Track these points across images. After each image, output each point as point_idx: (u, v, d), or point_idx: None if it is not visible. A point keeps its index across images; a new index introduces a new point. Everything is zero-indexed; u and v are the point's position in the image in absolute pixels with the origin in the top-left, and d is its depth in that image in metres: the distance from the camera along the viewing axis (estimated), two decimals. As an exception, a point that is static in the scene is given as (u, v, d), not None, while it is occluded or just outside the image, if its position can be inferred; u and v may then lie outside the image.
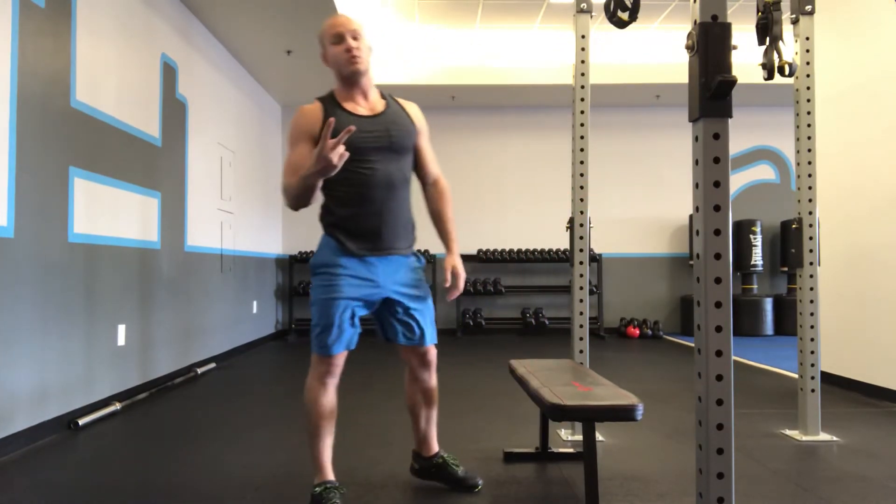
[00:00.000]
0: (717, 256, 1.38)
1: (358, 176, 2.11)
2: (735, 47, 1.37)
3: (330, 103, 2.18)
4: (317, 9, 5.05)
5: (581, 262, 3.05)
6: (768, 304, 7.67)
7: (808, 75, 3.01)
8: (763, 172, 8.26)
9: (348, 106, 2.19)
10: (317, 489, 2.11)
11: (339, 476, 2.49)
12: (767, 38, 2.04)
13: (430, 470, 2.38)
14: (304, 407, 2.15)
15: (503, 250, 7.92)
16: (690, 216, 7.93)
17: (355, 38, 2.18)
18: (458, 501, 2.25)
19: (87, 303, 3.49)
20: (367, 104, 2.23)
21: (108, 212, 3.75)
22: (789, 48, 2.61)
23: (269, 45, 5.88)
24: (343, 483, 2.42)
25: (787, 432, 3.15)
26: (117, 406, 3.63)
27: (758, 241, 7.77)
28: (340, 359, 2.13)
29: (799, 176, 3.06)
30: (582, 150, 3.05)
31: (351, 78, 2.18)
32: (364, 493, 2.33)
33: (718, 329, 1.38)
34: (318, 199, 2.18)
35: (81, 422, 3.29)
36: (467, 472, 2.38)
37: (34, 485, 2.49)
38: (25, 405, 2.99)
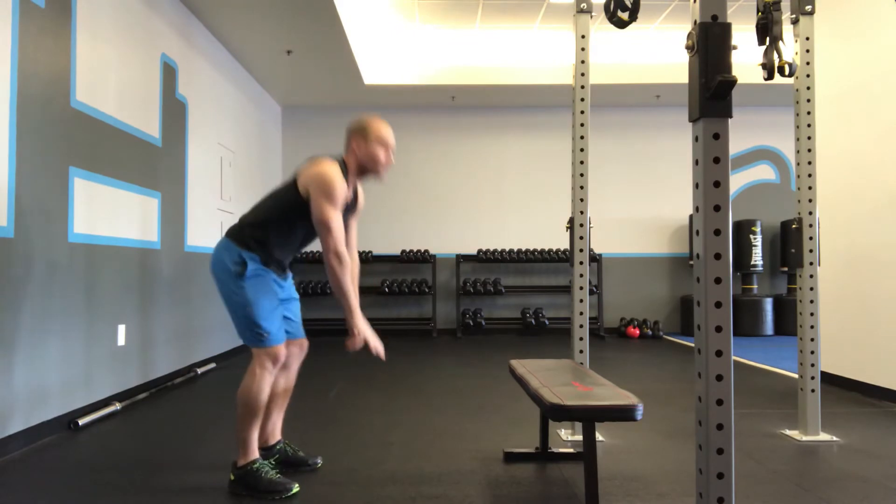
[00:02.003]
0: (717, 256, 1.38)
1: (308, 237, 2.49)
2: (735, 47, 1.37)
3: (344, 176, 2.40)
4: (317, 9, 5.05)
5: (581, 262, 3.05)
6: (768, 304, 7.67)
7: (808, 75, 3.01)
8: (763, 172, 8.27)
9: (349, 181, 2.46)
10: (253, 465, 2.32)
11: (339, 476, 2.49)
12: (767, 38, 2.04)
13: (275, 455, 2.55)
14: (249, 396, 2.34)
15: (503, 250, 7.92)
16: (690, 216, 7.93)
17: (390, 157, 2.49)
18: (458, 501, 2.25)
19: (87, 303, 3.49)
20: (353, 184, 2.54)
21: (108, 212, 3.75)
22: (789, 48, 2.61)
23: (269, 45, 5.88)
24: (344, 483, 2.42)
25: (787, 432, 3.15)
26: (117, 406, 3.63)
27: (758, 241, 7.77)
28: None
29: (799, 176, 3.06)
30: (582, 150, 3.05)
31: (368, 175, 2.50)
32: (364, 493, 2.33)
33: (718, 329, 1.38)
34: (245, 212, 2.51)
35: (81, 422, 3.29)
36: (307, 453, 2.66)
37: (34, 485, 2.49)
38: (25, 405, 2.99)
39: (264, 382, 2.35)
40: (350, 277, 2.31)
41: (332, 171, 2.30)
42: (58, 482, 2.52)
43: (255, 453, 2.36)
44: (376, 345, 2.32)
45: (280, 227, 2.39)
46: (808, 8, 3.01)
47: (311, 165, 2.36)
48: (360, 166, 2.45)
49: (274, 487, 2.28)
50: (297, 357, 2.61)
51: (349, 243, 2.54)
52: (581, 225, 3.04)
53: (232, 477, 2.35)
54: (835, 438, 3.05)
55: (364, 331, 2.30)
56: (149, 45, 4.33)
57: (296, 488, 2.30)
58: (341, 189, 2.30)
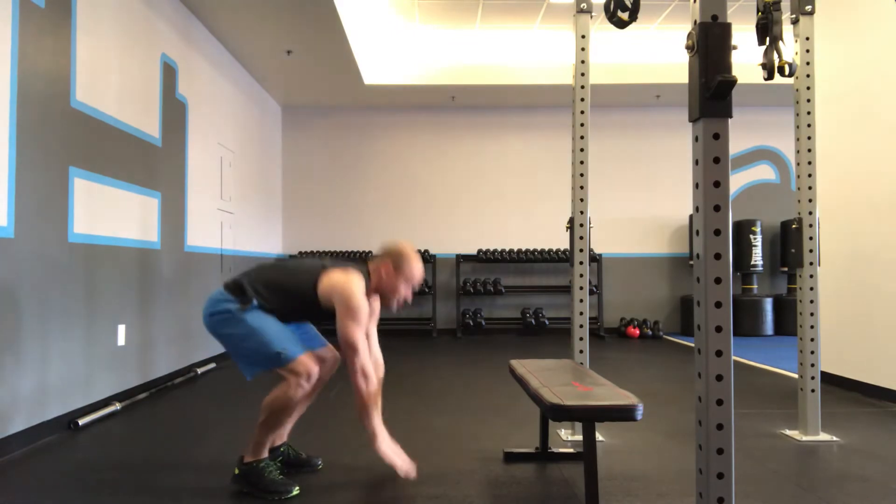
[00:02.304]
0: (717, 256, 1.38)
1: (309, 321, 2.57)
2: (735, 47, 1.37)
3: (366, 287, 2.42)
4: (317, 9, 5.05)
5: (581, 262, 3.05)
6: (768, 304, 7.67)
7: (808, 75, 3.01)
8: (763, 172, 8.27)
9: (369, 294, 2.43)
10: (260, 464, 2.33)
11: (339, 476, 2.49)
12: (767, 38, 2.04)
13: (279, 457, 2.54)
14: (277, 406, 2.33)
15: (503, 250, 7.92)
16: (690, 216, 7.93)
17: (413, 293, 2.51)
18: (458, 501, 2.25)
19: (87, 303, 3.49)
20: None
21: (108, 212, 3.75)
22: (789, 48, 2.61)
23: (269, 45, 5.88)
24: (344, 483, 2.42)
25: (787, 432, 3.15)
26: (117, 406, 3.63)
27: (758, 241, 7.77)
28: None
29: (799, 176, 3.06)
30: (582, 150, 3.05)
31: (381, 300, 2.51)
32: (364, 493, 2.33)
33: (718, 329, 1.38)
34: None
35: (81, 422, 3.29)
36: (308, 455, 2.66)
37: (34, 485, 2.49)
38: (26, 405, 2.99)
39: (296, 396, 2.32)
40: (375, 399, 2.30)
41: (358, 289, 2.30)
42: (58, 482, 2.52)
43: (264, 453, 2.37)
44: (404, 467, 2.30)
45: (287, 313, 2.39)
46: (808, 8, 3.01)
47: (336, 276, 2.33)
48: (380, 289, 2.46)
49: (275, 487, 2.28)
50: (328, 366, 2.55)
51: (371, 348, 2.52)
52: (581, 225, 3.04)
53: (237, 471, 2.35)
54: (835, 438, 3.05)
55: (390, 457, 2.29)
56: (149, 45, 4.33)
57: (296, 490, 2.30)
58: (366, 308, 2.32)
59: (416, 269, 2.46)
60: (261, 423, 2.34)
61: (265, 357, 2.30)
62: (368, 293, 2.40)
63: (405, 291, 2.46)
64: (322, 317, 2.40)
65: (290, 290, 2.38)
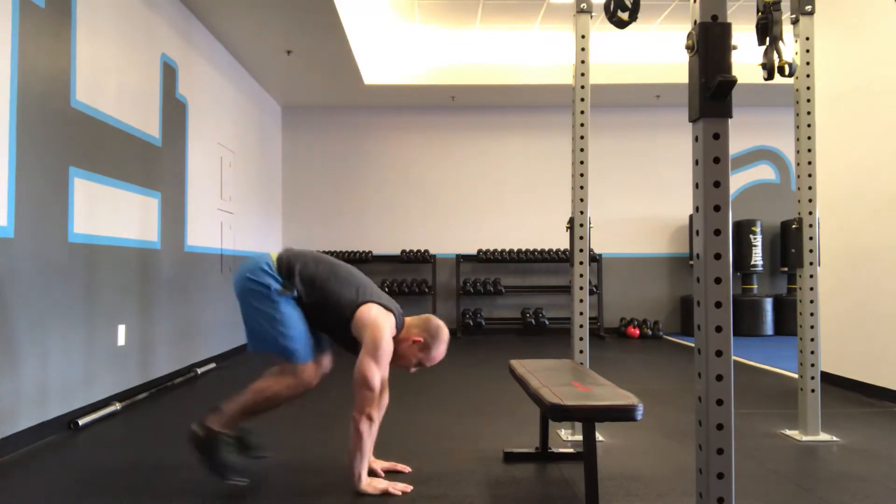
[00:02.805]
0: (717, 256, 1.38)
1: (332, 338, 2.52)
2: (735, 47, 1.37)
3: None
4: (317, 9, 5.05)
5: (581, 262, 3.05)
6: (768, 304, 7.67)
7: (808, 75, 3.01)
8: (763, 172, 8.27)
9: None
10: (224, 437, 2.32)
11: (339, 475, 2.49)
12: (767, 38, 2.04)
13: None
14: (264, 397, 2.34)
15: (503, 250, 7.92)
16: (690, 216, 7.93)
17: (420, 367, 2.48)
18: (458, 501, 2.25)
19: (87, 303, 3.49)
20: None
21: (108, 212, 3.75)
22: (789, 48, 2.61)
23: (269, 45, 5.88)
24: (343, 483, 2.42)
25: (787, 432, 3.15)
26: (117, 406, 3.63)
27: (758, 241, 7.77)
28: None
29: (799, 176, 3.06)
30: (582, 150, 3.05)
31: (396, 358, 2.42)
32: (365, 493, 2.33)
33: (718, 329, 1.38)
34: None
35: (81, 422, 3.29)
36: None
37: (34, 485, 2.49)
38: (26, 405, 2.99)
39: (286, 396, 2.33)
40: (371, 443, 2.30)
41: (389, 334, 2.30)
42: (58, 482, 2.52)
43: (230, 429, 2.36)
44: (396, 487, 2.29)
45: (314, 320, 2.38)
46: (808, 8, 3.01)
47: (375, 313, 2.32)
48: (397, 350, 2.41)
49: (227, 469, 2.29)
50: (322, 372, 2.54)
51: (382, 384, 2.50)
52: (581, 225, 3.04)
53: (198, 431, 2.32)
54: (835, 438, 3.04)
55: (377, 489, 2.27)
56: (149, 45, 4.33)
57: (244, 482, 2.30)
58: (390, 354, 2.31)
59: (440, 356, 2.45)
60: (242, 403, 2.34)
61: (279, 347, 2.29)
62: (397, 342, 2.39)
63: (413, 368, 2.46)
64: (343, 338, 2.37)
65: (330, 301, 2.35)
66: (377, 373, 2.23)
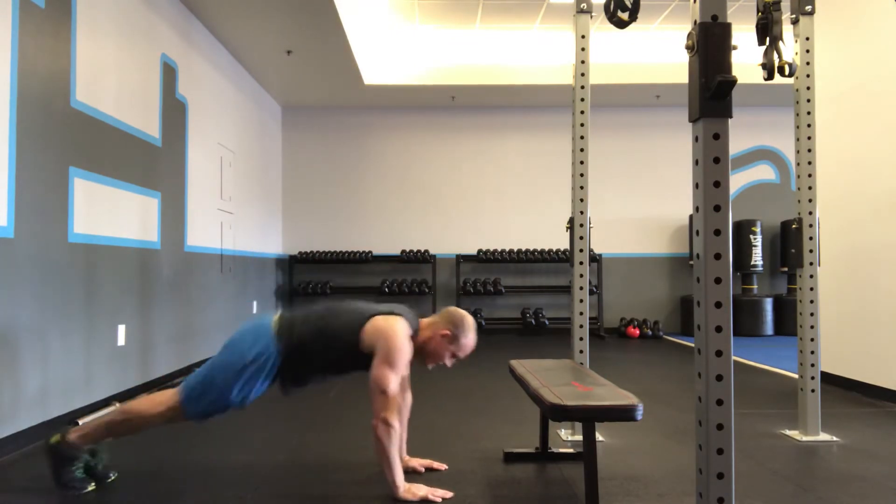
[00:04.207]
0: (717, 256, 1.38)
1: (346, 373, 2.47)
2: (735, 47, 1.37)
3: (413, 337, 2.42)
4: (317, 9, 5.05)
5: (581, 262, 3.05)
6: (768, 304, 7.67)
7: (808, 75, 3.01)
8: (763, 172, 8.27)
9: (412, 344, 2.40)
10: (78, 454, 2.35)
11: (339, 476, 2.49)
12: (767, 38, 2.04)
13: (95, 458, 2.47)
14: (137, 418, 2.37)
15: (503, 250, 7.92)
16: (690, 216, 7.93)
17: (455, 359, 2.47)
18: (458, 501, 2.25)
19: (87, 303, 3.49)
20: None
21: (108, 212, 3.75)
22: (789, 48, 2.61)
23: (269, 45, 5.88)
24: (344, 483, 2.42)
25: (787, 432, 3.15)
26: (117, 406, 3.63)
27: (758, 241, 7.77)
28: None
29: (799, 176, 3.06)
30: (582, 150, 3.05)
31: (421, 356, 2.44)
32: (364, 493, 2.33)
33: (718, 329, 1.38)
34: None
35: (81, 422, 3.28)
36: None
37: (34, 485, 2.49)
38: (26, 405, 2.99)
39: (158, 422, 2.35)
40: (397, 447, 2.26)
41: (403, 336, 2.28)
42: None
43: (87, 446, 2.37)
44: (436, 495, 2.25)
45: (319, 357, 2.36)
46: (808, 8, 3.01)
47: (383, 321, 2.30)
48: (426, 348, 2.41)
49: (74, 483, 2.32)
50: None
51: (403, 386, 2.48)
52: (581, 225, 3.04)
53: (55, 440, 2.33)
54: (835, 438, 3.04)
55: (416, 497, 2.23)
56: (149, 45, 4.33)
57: (91, 487, 2.34)
58: (407, 356, 2.30)
59: (471, 345, 2.44)
60: (108, 422, 2.36)
61: (201, 388, 2.29)
62: (413, 344, 2.37)
63: (449, 361, 2.43)
64: (358, 362, 2.34)
65: (332, 335, 2.32)
66: (391, 377, 2.22)
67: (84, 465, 2.37)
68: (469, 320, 2.43)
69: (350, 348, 2.31)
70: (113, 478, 2.47)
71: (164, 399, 2.35)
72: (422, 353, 2.43)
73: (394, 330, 2.28)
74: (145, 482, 2.50)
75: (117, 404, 3.64)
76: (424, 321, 2.46)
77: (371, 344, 2.28)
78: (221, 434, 3.21)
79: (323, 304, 2.46)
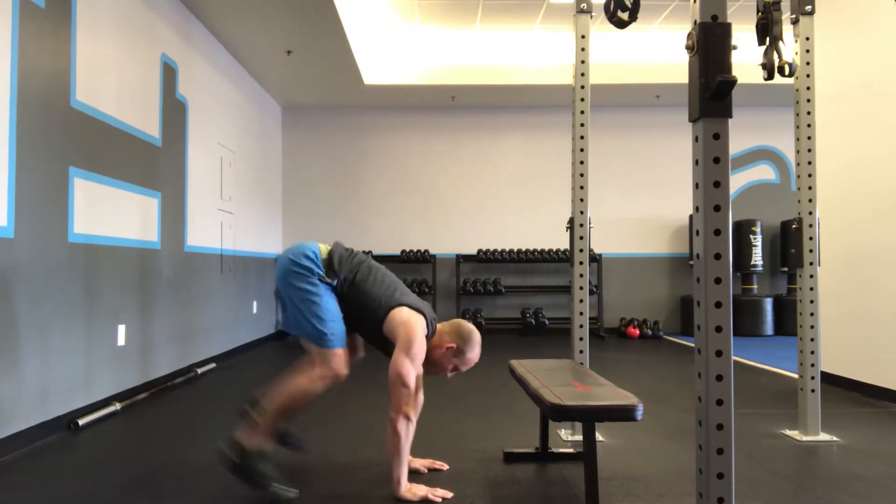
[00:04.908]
0: (717, 256, 1.38)
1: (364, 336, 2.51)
2: (735, 47, 1.37)
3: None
4: (317, 9, 5.05)
5: (581, 262, 3.05)
6: (768, 304, 7.67)
7: (808, 75, 3.01)
8: (763, 172, 8.27)
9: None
10: (265, 455, 2.28)
11: (338, 474, 2.49)
12: (767, 38, 2.04)
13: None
14: (297, 395, 2.30)
15: (503, 250, 7.92)
16: (690, 216, 7.93)
17: (456, 371, 2.47)
18: (458, 501, 2.25)
19: (87, 303, 3.49)
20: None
21: (108, 212, 3.75)
22: (789, 48, 2.61)
23: (269, 45, 5.88)
24: (343, 482, 2.42)
25: (787, 432, 3.15)
26: (117, 406, 3.63)
27: (758, 241, 7.77)
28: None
29: (799, 176, 3.06)
30: (582, 150, 3.05)
31: (427, 364, 2.41)
32: (364, 493, 2.33)
33: (718, 329, 1.38)
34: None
35: (81, 422, 3.29)
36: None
37: (35, 485, 2.49)
38: (26, 405, 2.99)
39: (315, 389, 2.29)
40: (410, 444, 2.25)
41: (422, 334, 2.29)
42: (58, 482, 2.52)
43: (268, 444, 2.31)
44: (436, 496, 2.24)
45: (350, 316, 2.37)
46: (808, 8, 3.01)
47: (407, 314, 2.31)
48: (431, 358, 2.41)
49: (276, 487, 2.23)
50: (351, 360, 2.52)
51: (417, 382, 2.46)
52: (581, 225, 3.04)
53: (237, 460, 2.25)
54: (835, 438, 3.04)
55: (417, 497, 2.22)
56: (149, 45, 4.33)
57: (293, 493, 2.23)
58: (423, 353, 2.30)
59: (475, 360, 2.45)
60: (276, 407, 2.28)
61: (313, 329, 2.27)
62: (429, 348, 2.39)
63: (450, 374, 2.45)
64: (374, 336, 2.37)
65: (366, 299, 2.34)
66: (412, 370, 2.22)
67: (270, 460, 2.29)
68: (476, 336, 2.43)
69: (376, 321, 2.33)
70: (308, 452, 2.54)
71: (310, 372, 2.29)
72: (425, 361, 2.42)
73: (415, 326, 2.28)
74: (145, 481, 2.50)
75: (117, 405, 3.64)
76: (437, 327, 2.46)
77: (391, 331, 2.29)
78: (221, 434, 3.21)
79: (367, 263, 2.45)
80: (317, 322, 2.26)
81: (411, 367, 2.22)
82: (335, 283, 2.34)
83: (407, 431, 2.21)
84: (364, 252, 7.94)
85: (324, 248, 2.40)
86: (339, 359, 2.28)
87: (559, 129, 7.93)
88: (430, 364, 2.42)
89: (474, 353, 2.43)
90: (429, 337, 2.37)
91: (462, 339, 2.40)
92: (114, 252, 3.79)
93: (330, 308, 2.30)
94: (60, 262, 3.26)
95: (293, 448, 2.56)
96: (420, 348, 2.26)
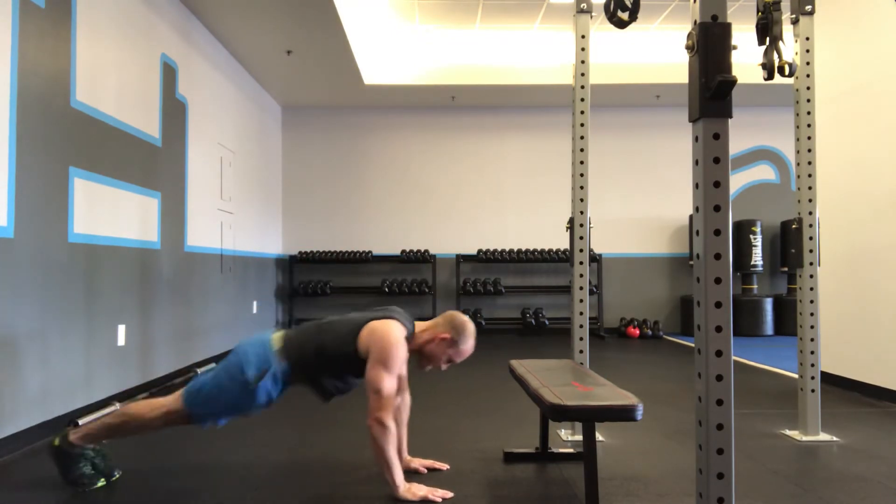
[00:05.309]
0: (717, 256, 1.38)
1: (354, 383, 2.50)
2: (735, 47, 1.37)
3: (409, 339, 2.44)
4: (317, 9, 5.05)
5: (581, 262, 3.05)
6: (768, 304, 7.67)
7: (808, 75, 3.01)
8: (763, 172, 8.27)
9: (410, 346, 2.43)
10: (83, 451, 2.39)
11: (339, 476, 2.49)
12: (767, 38, 2.04)
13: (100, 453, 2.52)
14: (134, 420, 2.39)
15: (503, 250, 7.92)
16: (690, 216, 7.93)
17: (451, 363, 2.48)
18: (458, 501, 2.25)
19: (87, 303, 3.49)
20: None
21: (108, 212, 3.75)
22: (789, 48, 2.61)
23: (269, 45, 5.88)
24: (343, 483, 2.41)
25: (787, 432, 3.15)
26: (117, 406, 3.62)
27: (758, 241, 7.77)
28: None
29: (799, 176, 3.06)
30: (582, 150, 3.05)
31: (420, 358, 2.48)
32: (364, 493, 2.33)
33: (718, 329, 1.38)
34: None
35: (81, 422, 3.27)
36: None
37: (35, 485, 2.49)
38: (26, 405, 2.99)
39: (154, 427, 2.39)
40: (394, 447, 2.25)
41: (396, 337, 2.28)
42: (58, 482, 2.51)
43: (91, 444, 2.40)
44: (436, 495, 2.24)
45: (326, 372, 2.39)
46: (808, 8, 3.01)
47: (377, 325, 2.31)
48: (424, 350, 2.44)
49: (83, 480, 2.36)
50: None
51: (401, 386, 2.48)
52: (581, 225, 3.04)
53: (56, 442, 2.37)
54: (835, 438, 3.04)
55: (416, 497, 2.22)
56: (149, 45, 4.33)
57: (101, 482, 2.38)
58: (401, 356, 2.30)
59: (469, 351, 2.46)
60: (108, 424, 2.38)
61: (204, 400, 2.32)
62: (410, 346, 2.39)
63: (444, 365, 2.46)
64: (362, 370, 2.34)
65: (330, 347, 2.34)
66: (385, 377, 2.22)
67: (91, 462, 2.40)
68: (470, 327, 2.44)
69: (350, 359, 2.32)
70: (117, 476, 2.49)
71: (164, 402, 2.37)
72: (419, 354, 2.45)
73: (387, 331, 2.28)
74: (146, 481, 2.50)
75: (117, 404, 3.64)
76: (422, 324, 2.48)
77: (366, 348, 2.29)
78: (221, 434, 3.21)
79: (317, 323, 2.47)
80: (206, 397, 2.31)
81: (385, 375, 2.22)
82: (279, 372, 2.32)
83: (383, 436, 2.20)
84: (363, 251, 7.93)
85: (276, 338, 2.39)
86: (178, 415, 2.34)
87: (559, 129, 7.93)
88: (426, 357, 2.44)
89: (468, 343, 2.43)
90: (408, 337, 2.37)
91: (456, 330, 2.41)
92: (114, 252, 3.79)
93: (228, 397, 2.30)
94: (60, 262, 3.26)
95: (101, 471, 2.48)
96: (396, 354, 2.25)
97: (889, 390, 3.90)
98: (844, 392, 4.18)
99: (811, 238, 3.03)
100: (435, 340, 2.41)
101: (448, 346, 2.41)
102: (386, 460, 2.22)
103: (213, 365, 2.42)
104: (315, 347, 2.35)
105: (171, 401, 2.36)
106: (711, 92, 1.35)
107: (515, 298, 8.09)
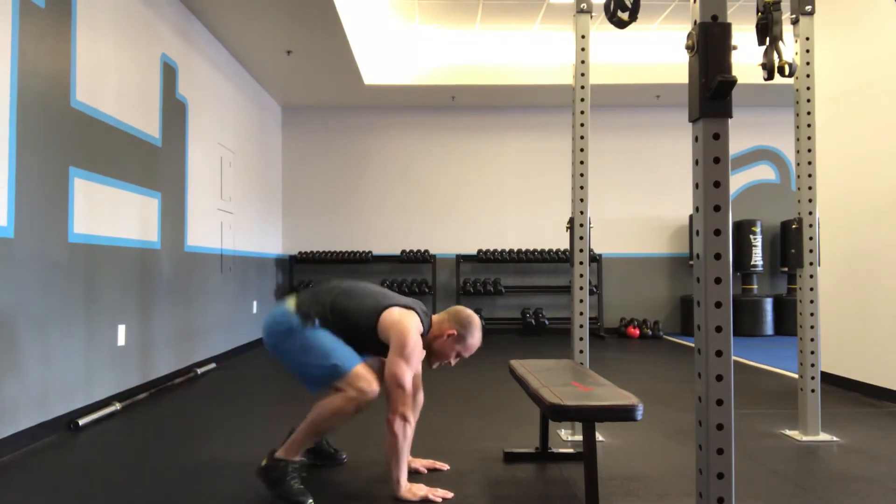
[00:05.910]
0: (717, 256, 1.38)
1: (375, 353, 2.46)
2: (735, 47, 1.37)
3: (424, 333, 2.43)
4: (317, 9, 5.05)
5: (581, 262, 3.05)
6: (768, 304, 7.67)
7: (808, 75, 3.01)
8: (763, 172, 8.26)
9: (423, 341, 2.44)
10: (288, 465, 2.27)
11: (339, 476, 2.49)
12: (767, 38, 2.04)
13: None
14: (328, 416, 2.26)
15: (503, 250, 7.92)
16: (690, 216, 7.93)
17: (459, 358, 2.49)
18: (458, 501, 2.25)
19: (87, 303, 3.49)
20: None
21: (108, 212, 3.75)
22: (789, 48, 2.61)
23: (269, 45, 5.88)
24: (343, 483, 2.42)
25: (787, 432, 3.15)
26: (117, 406, 3.63)
27: (758, 241, 7.77)
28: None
29: (799, 176, 3.06)
30: (582, 150, 3.05)
31: (428, 353, 2.47)
32: (364, 493, 2.33)
33: (718, 329, 1.38)
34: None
35: (81, 422, 3.29)
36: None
37: (34, 485, 2.49)
38: (26, 405, 2.99)
39: (348, 409, 2.22)
40: (409, 443, 2.25)
41: (415, 332, 2.28)
42: (58, 482, 2.52)
43: (298, 455, 2.30)
44: (436, 496, 2.24)
45: (349, 340, 2.35)
46: (808, 8, 3.01)
47: (397, 314, 2.30)
48: (432, 346, 2.44)
49: (291, 495, 2.21)
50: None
51: (416, 384, 2.45)
52: (581, 225, 3.04)
53: (264, 462, 2.28)
54: (835, 438, 3.04)
55: (416, 497, 2.21)
56: (149, 45, 4.33)
57: (309, 502, 2.21)
58: (420, 352, 2.30)
59: (476, 345, 2.46)
60: (306, 425, 2.27)
61: (321, 370, 2.24)
62: (423, 342, 2.38)
63: (453, 360, 2.45)
64: (377, 348, 2.36)
65: (352, 317, 2.33)
66: (407, 371, 2.22)
67: (299, 473, 2.29)
68: (476, 320, 2.44)
69: (370, 332, 2.32)
70: (345, 459, 2.64)
71: (339, 396, 2.26)
72: (428, 351, 2.45)
73: (407, 325, 2.28)
74: (145, 481, 2.50)
75: (117, 404, 3.64)
76: (434, 319, 2.47)
77: (385, 334, 2.29)
78: (221, 434, 3.21)
79: (338, 287, 2.44)
80: (321, 362, 2.24)
81: (406, 369, 2.21)
82: (316, 323, 2.31)
83: (404, 432, 2.21)
84: (363, 252, 7.93)
85: (291, 302, 2.39)
86: (360, 376, 2.23)
87: (559, 129, 7.93)
88: (434, 354, 2.43)
89: (475, 337, 2.43)
90: (423, 333, 2.37)
91: (462, 325, 2.41)
92: (114, 252, 3.79)
93: (324, 342, 2.27)
94: (60, 262, 3.26)
95: (329, 459, 2.61)
96: (415, 346, 2.26)
97: (889, 390, 3.90)
98: (844, 392, 4.18)
99: (811, 238, 3.03)
100: (442, 336, 2.41)
101: (456, 342, 2.41)
102: (398, 456, 2.22)
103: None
104: (339, 311, 2.33)
105: (328, 398, 2.28)
106: (711, 92, 1.35)
107: (515, 298, 8.09)
